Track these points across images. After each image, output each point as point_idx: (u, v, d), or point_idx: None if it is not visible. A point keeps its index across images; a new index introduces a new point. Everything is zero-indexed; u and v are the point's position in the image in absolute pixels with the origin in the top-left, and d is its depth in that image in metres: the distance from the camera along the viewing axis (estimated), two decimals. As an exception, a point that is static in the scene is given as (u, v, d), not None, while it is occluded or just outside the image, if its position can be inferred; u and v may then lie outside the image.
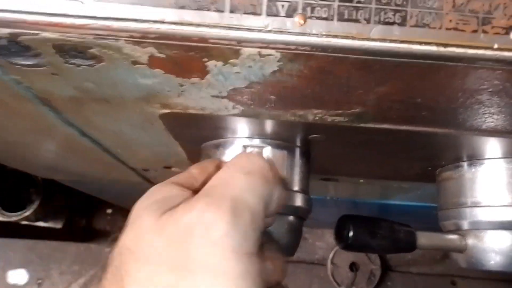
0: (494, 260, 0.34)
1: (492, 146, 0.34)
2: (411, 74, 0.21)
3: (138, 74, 0.23)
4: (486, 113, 0.25)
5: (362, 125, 0.29)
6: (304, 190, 0.36)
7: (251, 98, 0.26)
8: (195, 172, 0.29)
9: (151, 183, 0.63)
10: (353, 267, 1.18)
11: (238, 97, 0.26)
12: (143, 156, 0.47)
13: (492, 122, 0.27)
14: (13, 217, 1.05)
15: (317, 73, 0.22)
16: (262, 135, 0.34)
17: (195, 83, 0.24)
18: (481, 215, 0.35)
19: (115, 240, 0.24)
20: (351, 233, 0.31)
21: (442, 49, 0.19)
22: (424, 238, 0.33)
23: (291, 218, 0.34)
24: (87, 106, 0.30)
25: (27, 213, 1.04)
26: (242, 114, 0.28)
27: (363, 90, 0.23)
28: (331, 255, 1.20)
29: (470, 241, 0.35)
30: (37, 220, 1.09)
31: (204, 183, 0.26)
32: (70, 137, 0.39)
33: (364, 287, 1.18)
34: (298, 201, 0.34)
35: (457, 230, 0.36)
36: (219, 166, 0.29)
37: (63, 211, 1.11)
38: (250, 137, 0.34)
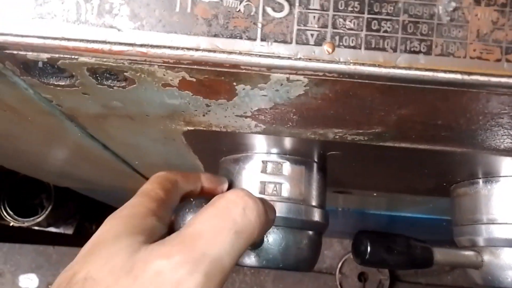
0: (511, 277, 0.34)
1: (509, 164, 0.34)
2: (434, 98, 0.21)
3: (166, 95, 0.24)
4: (505, 135, 0.26)
5: (381, 143, 0.29)
6: (322, 205, 0.36)
7: (274, 118, 0.26)
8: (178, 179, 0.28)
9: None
10: (362, 277, 1.18)
11: (261, 117, 0.26)
12: (160, 168, 0.48)
13: (510, 143, 0.27)
14: (25, 223, 1.06)
15: (341, 96, 0.22)
16: (281, 151, 0.35)
17: (222, 104, 0.25)
18: (497, 232, 0.35)
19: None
20: (369, 249, 0.32)
21: (466, 77, 0.19)
22: (441, 255, 0.34)
23: (310, 233, 0.35)
24: (111, 122, 0.31)
25: (39, 219, 1.06)
26: (263, 132, 0.29)
27: (385, 112, 0.24)
28: (339, 265, 1.19)
29: (486, 257, 0.35)
30: (48, 226, 1.11)
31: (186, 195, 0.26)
32: (91, 150, 0.40)
33: (373, 296, 1.17)
34: (316, 216, 0.35)
35: (473, 246, 0.36)
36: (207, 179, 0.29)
37: (74, 217, 1.12)
38: (269, 152, 0.35)
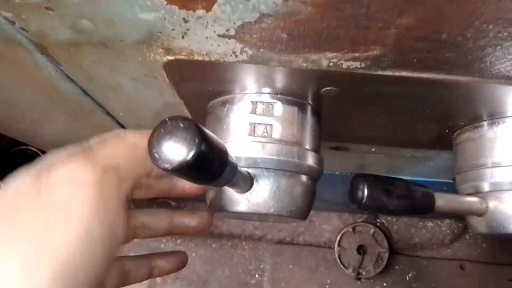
0: (516, 223, 0.32)
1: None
2: (439, -2, 0.19)
3: (138, 6, 0.21)
4: (517, 53, 0.23)
5: (379, 72, 0.27)
6: (315, 149, 0.34)
7: (261, 38, 0.24)
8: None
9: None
10: (361, 249, 1.17)
11: (247, 37, 0.24)
12: (144, 117, 0.45)
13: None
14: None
15: (334, 1, 0.20)
16: (272, 90, 0.32)
17: (200, 17, 0.22)
18: (502, 175, 0.33)
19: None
20: (365, 192, 0.30)
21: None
22: (443, 200, 0.32)
23: (303, 178, 0.32)
24: (85, 53, 0.28)
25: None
26: (250, 61, 0.26)
27: (383, 22, 0.21)
28: (338, 238, 1.18)
29: (491, 203, 0.33)
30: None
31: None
32: (71, 97, 0.37)
33: (372, 270, 1.17)
34: (310, 159, 0.33)
35: (477, 193, 0.34)
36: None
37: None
38: (259, 92, 0.32)
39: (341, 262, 1.16)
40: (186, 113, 0.39)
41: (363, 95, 0.32)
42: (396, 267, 1.21)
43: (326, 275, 1.20)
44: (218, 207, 0.31)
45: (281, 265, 1.22)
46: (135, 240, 0.31)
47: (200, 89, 0.33)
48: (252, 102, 0.32)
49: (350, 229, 1.17)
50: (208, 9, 0.21)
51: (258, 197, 0.30)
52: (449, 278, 1.19)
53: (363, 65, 0.26)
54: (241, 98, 0.32)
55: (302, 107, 0.33)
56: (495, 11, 0.20)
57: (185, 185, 0.32)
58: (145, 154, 0.21)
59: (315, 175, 0.34)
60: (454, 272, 1.20)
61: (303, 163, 0.32)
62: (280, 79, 0.30)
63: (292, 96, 0.32)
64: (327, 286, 1.21)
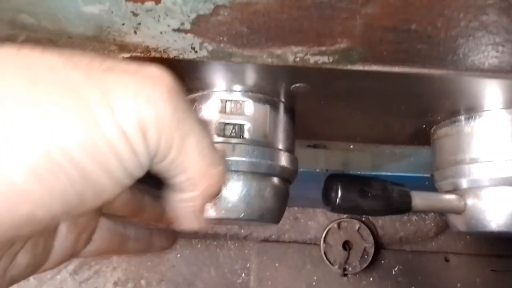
0: (495, 220, 0.31)
1: (493, 94, 0.30)
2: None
3: (79, -2, 0.19)
4: (489, 44, 0.22)
5: (349, 67, 0.25)
6: (289, 150, 0.32)
7: (219, 31, 0.22)
8: None
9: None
10: (346, 245, 1.17)
11: (204, 30, 0.22)
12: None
13: (495, 57, 0.23)
14: None
15: (293, -11, 0.18)
16: (241, 88, 0.30)
17: (150, 10, 0.20)
18: (480, 171, 0.32)
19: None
20: (339, 193, 0.28)
21: None
22: (420, 198, 0.30)
23: (275, 180, 0.31)
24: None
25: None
26: (212, 57, 0.25)
27: (348, 13, 0.20)
28: (323, 234, 1.18)
29: (470, 200, 0.32)
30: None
31: None
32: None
33: (358, 266, 1.16)
34: (283, 160, 0.31)
35: (455, 190, 0.33)
36: None
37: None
38: (228, 90, 0.31)
39: (327, 259, 1.15)
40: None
41: (335, 91, 0.30)
42: (382, 261, 1.21)
43: (312, 273, 1.20)
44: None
45: (267, 263, 1.21)
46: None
47: (163, 88, 0.31)
48: (221, 100, 0.30)
49: (335, 225, 1.16)
50: (157, 1, 0.19)
51: (227, 202, 0.28)
52: (434, 271, 1.20)
53: (331, 60, 0.24)
54: (209, 96, 0.31)
55: (274, 105, 0.31)
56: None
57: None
58: None
59: (289, 176, 0.32)
60: (439, 264, 1.21)
61: (276, 164, 0.30)
62: (248, 76, 0.28)
63: (263, 94, 0.31)
64: (314, 283, 1.21)
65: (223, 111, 0.30)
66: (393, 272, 1.23)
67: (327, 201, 0.29)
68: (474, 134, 0.33)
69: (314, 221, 1.22)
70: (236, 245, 1.24)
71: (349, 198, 0.28)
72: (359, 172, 0.64)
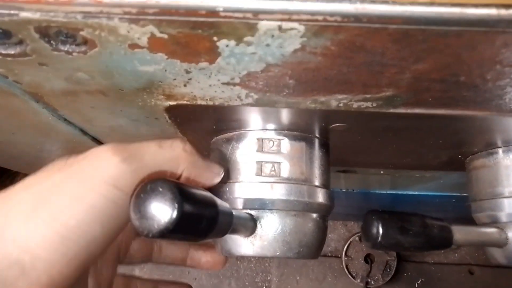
0: (537, 254, 0.31)
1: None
2: (460, 45, 0.18)
3: (137, 60, 0.20)
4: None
5: (391, 110, 0.25)
6: (325, 185, 0.33)
7: (267, 84, 0.22)
8: None
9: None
10: (368, 258, 1.16)
11: (252, 84, 0.22)
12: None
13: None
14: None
15: (345, 50, 0.19)
16: (278, 127, 0.31)
17: (203, 69, 0.21)
18: (521, 205, 0.32)
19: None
20: (381, 231, 0.28)
21: (504, 12, 0.15)
22: (460, 233, 0.30)
23: (313, 216, 0.31)
24: (82, 100, 0.27)
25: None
26: (256, 104, 0.25)
27: (398, 68, 0.20)
28: (345, 247, 1.17)
29: (511, 234, 0.31)
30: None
31: None
32: (71, 137, 0.36)
33: (380, 279, 1.15)
34: (320, 197, 0.31)
35: (494, 222, 0.33)
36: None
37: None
38: (265, 129, 0.31)
39: (349, 272, 1.15)
40: (189, 146, 0.38)
41: (373, 128, 0.30)
42: (405, 274, 1.19)
43: (333, 285, 1.19)
44: (224, 251, 0.30)
45: (288, 276, 1.21)
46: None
47: (203, 128, 0.32)
48: (258, 139, 0.31)
49: (357, 238, 1.15)
50: (211, 62, 0.20)
51: (263, 240, 0.28)
52: (458, 284, 1.18)
53: (374, 105, 0.25)
54: (246, 135, 0.31)
55: (309, 142, 0.32)
56: (518, 56, 0.18)
57: (201, 258, 0.32)
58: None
59: (325, 211, 0.32)
60: (463, 277, 1.18)
61: (313, 202, 0.30)
62: (286, 118, 0.29)
63: (299, 131, 0.31)
64: (335, 297, 1.20)
65: (260, 149, 0.30)
66: (416, 285, 1.21)
67: (368, 237, 0.30)
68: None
69: (335, 234, 1.21)
70: (257, 257, 1.24)
71: (390, 236, 0.28)
72: (384, 192, 0.64)
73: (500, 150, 0.33)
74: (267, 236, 0.29)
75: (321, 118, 0.28)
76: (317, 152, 0.32)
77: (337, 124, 0.29)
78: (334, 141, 0.34)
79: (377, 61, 0.19)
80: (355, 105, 0.25)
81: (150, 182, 0.19)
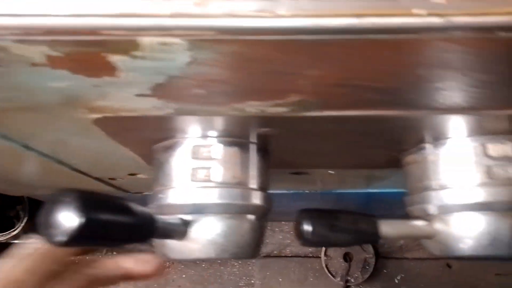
0: (464, 244, 0.32)
1: (454, 125, 0.32)
2: (336, 53, 0.19)
3: (44, 77, 0.21)
4: (433, 90, 0.24)
5: (307, 114, 0.27)
6: (262, 188, 0.34)
7: (178, 95, 0.24)
8: None
9: (124, 190, 0.61)
10: (347, 257, 1.17)
11: (165, 94, 0.24)
12: (101, 165, 0.45)
13: (443, 99, 0.25)
14: (1, 237, 1.03)
15: (238, 61, 0.20)
16: (211, 133, 0.32)
17: (111, 83, 0.22)
18: (447, 197, 0.33)
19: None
20: (310, 228, 0.30)
21: (355, 20, 0.17)
22: (387, 227, 0.32)
23: (248, 218, 0.32)
24: (14, 117, 0.28)
25: (16, 231, 1.02)
26: (177, 113, 0.26)
27: (293, 75, 0.21)
28: (324, 248, 1.18)
29: (438, 226, 0.33)
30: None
31: None
32: (16, 153, 0.37)
33: (360, 277, 1.17)
34: (255, 199, 0.33)
35: (425, 215, 0.34)
36: None
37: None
38: (199, 136, 0.32)
39: (329, 271, 1.16)
40: (134, 156, 0.39)
41: (304, 131, 0.32)
42: (384, 271, 1.21)
43: (315, 285, 1.20)
44: (161, 255, 0.31)
45: (270, 279, 1.22)
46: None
47: (140, 138, 0.33)
48: (192, 146, 0.32)
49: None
50: (114, 76, 0.21)
51: (195, 243, 0.30)
52: (436, 277, 1.20)
53: (288, 109, 0.26)
54: (181, 143, 0.32)
55: (243, 147, 0.33)
56: (395, 59, 0.20)
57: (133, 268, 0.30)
58: None
59: (262, 213, 0.34)
60: (441, 271, 1.21)
61: (247, 204, 0.32)
62: (216, 125, 0.30)
63: (234, 137, 0.32)
64: (317, 296, 1.21)
65: (194, 156, 0.32)
66: (396, 281, 1.23)
67: (299, 235, 0.31)
68: (440, 161, 0.34)
69: (314, 235, 1.22)
70: (239, 262, 1.24)
71: (319, 233, 0.30)
72: (352, 191, 0.65)
73: (427, 146, 0.35)
74: (200, 239, 0.30)
75: (246, 123, 0.29)
76: (252, 156, 0.33)
77: (265, 129, 0.30)
78: (273, 145, 0.35)
79: (271, 69, 0.21)
80: (270, 110, 0.26)
81: (57, 191, 0.20)
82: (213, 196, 0.31)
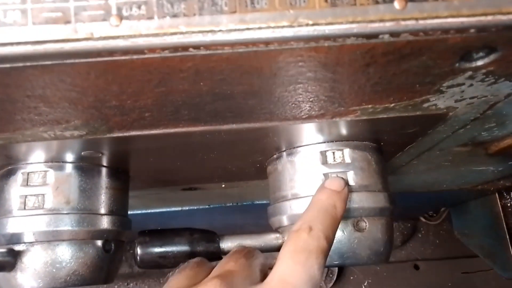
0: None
1: (306, 133, 0.30)
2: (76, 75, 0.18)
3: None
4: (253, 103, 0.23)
5: (104, 136, 0.26)
6: (113, 211, 0.33)
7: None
8: None
9: None
10: (309, 266, 1.15)
11: None
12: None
13: (277, 110, 0.24)
14: None
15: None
16: (42, 159, 0.31)
17: None
18: (300, 208, 0.32)
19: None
20: (138, 256, 0.29)
21: (38, 47, 0.16)
22: (231, 242, 0.31)
23: (96, 242, 0.31)
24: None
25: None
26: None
27: (57, 99, 0.21)
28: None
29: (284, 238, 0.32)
30: None
31: None
32: None
33: (323, 286, 1.15)
34: (98, 223, 0.31)
35: (280, 227, 0.33)
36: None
37: None
38: (30, 162, 0.31)
39: (293, 282, 1.14)
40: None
41: (136, 151, 0.31)
42: (351, 277, 1.20)
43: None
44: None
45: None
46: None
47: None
48: (23, 173, 0.31)
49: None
50: None
51: (24, 273, 0.28)
52: (404, 279, 1.18)
53: (83, 133, 0.25)
54: (13, 171, 0.31)
55: (78, 169, 0.32)
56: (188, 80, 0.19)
57: None
58: None
59: (115, 237, 0.32)
60: (408, 273, 1.19)
61: (97, 229, 0.31)
62: (32, 151, 0.29)
63: (64, 162, 0.31)
64: (282, 309, 1.19)
65: (25, 184, 0.31)
66: (363, 287, 1.21)
67: (134, 259, 0.30)
68: (295, 169, 0.33)
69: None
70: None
71: (149, 260, 0.29)
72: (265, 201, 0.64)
73: (284, 154, 0.34)
74: (28, 269, 0.29)
75: (58, 148, 0.28)
76: (96, 179, 0.32)
77: (85, 152, 0.29)
78: (134, 165, 0.34)
79: (38, 96, 0.20)
80: (65, 134, 0.25)
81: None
82: (42, 224, 0.30)
